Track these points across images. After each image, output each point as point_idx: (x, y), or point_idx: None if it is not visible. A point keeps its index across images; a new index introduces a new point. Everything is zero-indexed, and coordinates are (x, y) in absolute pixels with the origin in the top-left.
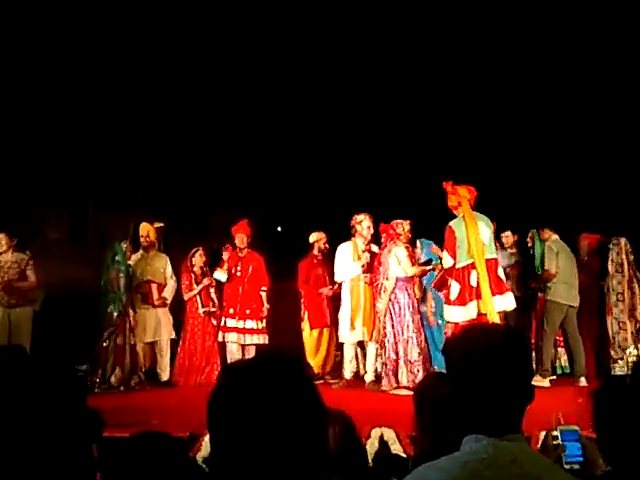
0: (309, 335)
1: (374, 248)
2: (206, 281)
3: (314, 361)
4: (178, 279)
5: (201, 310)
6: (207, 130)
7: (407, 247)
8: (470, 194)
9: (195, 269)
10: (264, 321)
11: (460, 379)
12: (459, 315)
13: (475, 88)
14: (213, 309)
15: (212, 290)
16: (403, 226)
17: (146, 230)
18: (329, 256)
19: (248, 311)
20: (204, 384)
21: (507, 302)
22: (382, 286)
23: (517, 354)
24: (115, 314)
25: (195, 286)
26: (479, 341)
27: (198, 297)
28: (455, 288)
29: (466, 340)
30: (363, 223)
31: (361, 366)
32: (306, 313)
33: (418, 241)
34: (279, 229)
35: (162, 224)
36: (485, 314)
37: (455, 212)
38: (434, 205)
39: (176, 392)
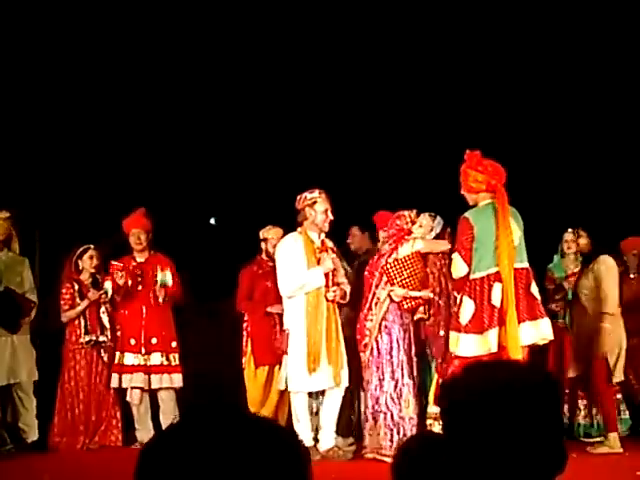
0: (253, 376)
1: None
2: (92, 296)
3: (261, 414)
4: (47, 291)
5: (84, 339)
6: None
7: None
8: (500, 176)
9: (82, 277)
10: (176, 355)
11: (461, 443)
12: (472, 347)
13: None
14: (102, 338)
15: (103, 309)
16: (411, 218)
17: None
18: None
19: (154, 340)
20: (96, 449)
21: (542, 332)
22: (375, 298)
23: (546, 406)
24: None
25: (79, 301)
26: (490, 387)
27: (82, 320)
28: (469, 308)
29: (470, 385)
30: (317, 206)
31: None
32: (249, 344)
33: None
34: (212, 222)
35: (8, 213)
36: (505, 348)
37: (470, 200)
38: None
39: (53, 460)
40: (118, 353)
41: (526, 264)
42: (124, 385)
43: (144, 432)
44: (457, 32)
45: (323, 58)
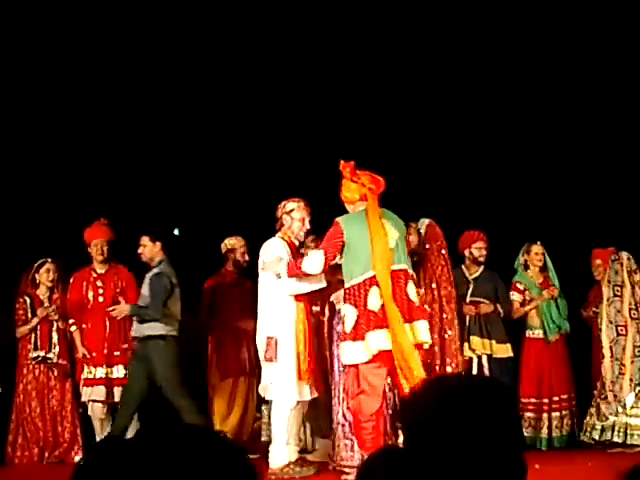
0: (218, 388)
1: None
2: (40, 312)
3: (225, 427)
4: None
5: (32, 355)
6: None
7: None
8: (377, 185)
9: (39, 291)
10: None
11: (422, 457)
12: (358, 354)
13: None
14: (50, 355)
15: (55, 326)
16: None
17: None
18: (250, 271)
19: (117, 352)
20: (55, 463)
21: (419, 334)
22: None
23: (508, 418)
24: None
25: (30, 317)
26: (448, 400)
27: (33, 335)
28: (351, 315)
29: (429, 400)
30: (294, 213)
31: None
32: (214, 357)
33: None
34: (176, 232)
35: None
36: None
37: (349, 207)
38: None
39: (10, 475)
40: (85, 367)
41: (404, 266)
42: (83, 399)
43: None
44: (434, 47)
45: (294, 72)
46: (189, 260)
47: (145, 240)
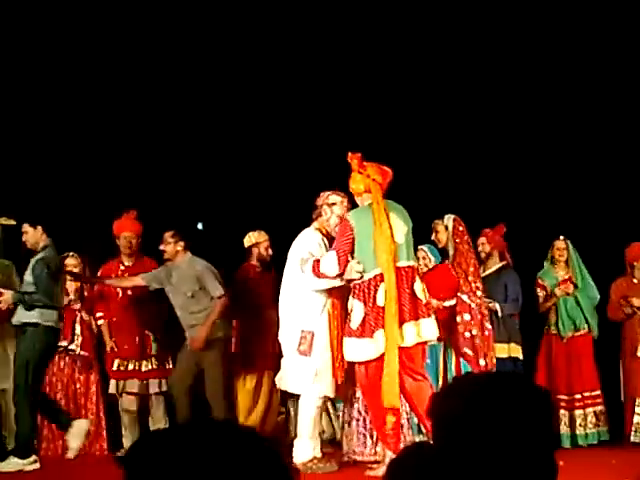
0: (242, 383)
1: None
2: (75, 304)
3: (249, 422)
4: None
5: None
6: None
7: None
8: (383, 177)
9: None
10: (170, 360)
11: (452, 455)
12: (364, 351)
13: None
14: (72, 346)
15: (78, 317)
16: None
17: None
18: (274, 265)
19: (148, 345)
20: (80, 456)
21: (424, 332)
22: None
23: (541, 418)
24: None
25: None
26: (481, 399)
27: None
28: (359, 312)
29: (461, 397)
30: (335, 208)
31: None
32: (239, 351)
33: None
34: (200, 227)
35: (13, 222)
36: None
37: (358, 200)
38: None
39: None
40: (115, 361)
41: (412, 262)
42: (112, 391)
43: (132, 439)
44: (432, 45)
45: (300, 70)
46: (213, 254)
47: (25, 227)
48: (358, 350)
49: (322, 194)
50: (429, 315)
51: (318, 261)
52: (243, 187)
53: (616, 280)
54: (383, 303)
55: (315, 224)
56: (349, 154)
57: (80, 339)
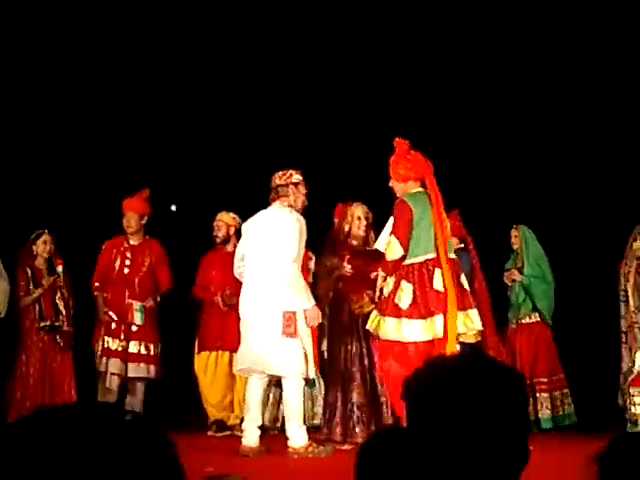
0: (202, 362)
1: None
2: (45, 282)
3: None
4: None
5: (39, 324)
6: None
7: None
8: (429, 166)
9: (37, 262)
10: (158, 346)
11: (425, 437)
12: (417, 332)
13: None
14: (57, 323)
15: (59, 295)
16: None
17: None
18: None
19: (134, 327)
20: None
21: (472, 322)
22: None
23: (514, 401)
24: None
25: (34, 288)
26: (455, 380)
27: (37, 305)
28: (408, 292)
29: (435, 379)
30: (301, 187)
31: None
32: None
33: None
34: (173, 208)
35: None
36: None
37: (399, 190)
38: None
39: None
40: (105, 338)
41: (453, 255)
42: (101, 369)
43: None
44: (429, 29)
45: (286, 53)
46: (185, 236)
47: None
48: (408, 330)
49: (281, 174)
50: (474, 306)
51: (383, 255)
52: (216, 168)
53: None
54: (442, 288)
55: (283, 203)
56: (396, 139)
57: (64, 316)
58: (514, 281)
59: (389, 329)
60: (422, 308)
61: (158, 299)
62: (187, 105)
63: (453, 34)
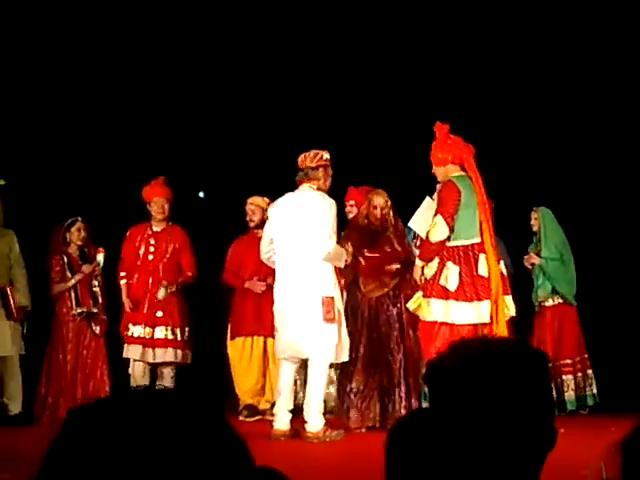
0: (236, 348)
1: None
2: (86, 269)
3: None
4: (35, 265)
5: (76, 311)
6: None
7: None
8: (470, 150)
9: (70, 249)
10: (186, 330)
11: (449, 422)
12: (466, 315)
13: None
14: (94, 310)
15: (96, 282)
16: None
17: None
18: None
19: (160, 313)
20: None
21: (509, 308)
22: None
23: (538, 382)
24: None
25: (69, 275)
26: (484, 363)
27: (73, 292)
28: (455, 274)
29: (458, 363)
30: (329, 170)
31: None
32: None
33: None
34: (201, 195)
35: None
36: (489, 323)
37: (439, 174)
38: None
39: (36, 433)
40: (130, 325)
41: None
42: (125, 355)
43: None
44: (432, 11)
45: (302, 45)
46: (213, 222)
47: None
48: (456, 312)
49: (312, 155)
50: (510, 292)
51: (426, 238)
52: (244, 154)
53: None
54: (487, 274)
55: (312, 186)
56: (437, 123)
57: (100, 303)
58: (533, 264)
59: (436, 310)
60: (469, 291)
61: (179, 286)
62: (215, 93)
63: (476, 24)
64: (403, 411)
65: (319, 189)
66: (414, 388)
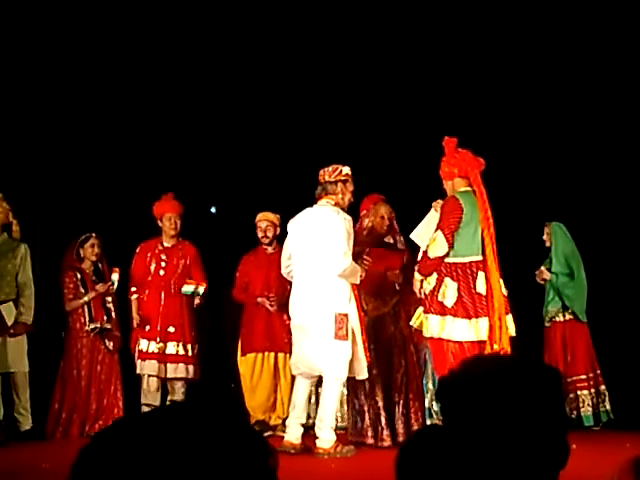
0: (246, 364)
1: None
2: (100, 288)
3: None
4: (50, 280)
5: (89, 327)
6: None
7: None
8: (478, 165)
9: (84, 265)
10: (195, 346)
11: (462, 438)
12: (464, 332)
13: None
14: (107, 326)
15: (109, 299)
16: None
17: None
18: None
19: (172, 329)
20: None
21: (509, 328)
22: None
23: (551, 399)
24: None
25: (83, 291)
26: (496, 379)
27: (86, 308)
28: (453, 291)
29: (470, 380)
30: (349, 185)
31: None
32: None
33: None
34: (213, 210)
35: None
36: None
37: (447, 188)
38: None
39: (48, 450)
40: (141, 340)
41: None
42: (138, 371)
43: None
44: (441, 25)
45: (314, 54)
46: (226, 238)
47: None
48: (453, 329)
49: (331, 170)
50: (509, 311)
51: (425, 253)
52: (256, 170)
53: None
54: (485, 292)
55: (329, 201)
56: (445, 138)
57: (113, 319)
58: (545, 280)
59: (433, 326)
60: (467, 308)
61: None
62: (226, 107)
63: (489, 41)
64: (402, 429)
65: (337, 204)
66: (415, 405)
